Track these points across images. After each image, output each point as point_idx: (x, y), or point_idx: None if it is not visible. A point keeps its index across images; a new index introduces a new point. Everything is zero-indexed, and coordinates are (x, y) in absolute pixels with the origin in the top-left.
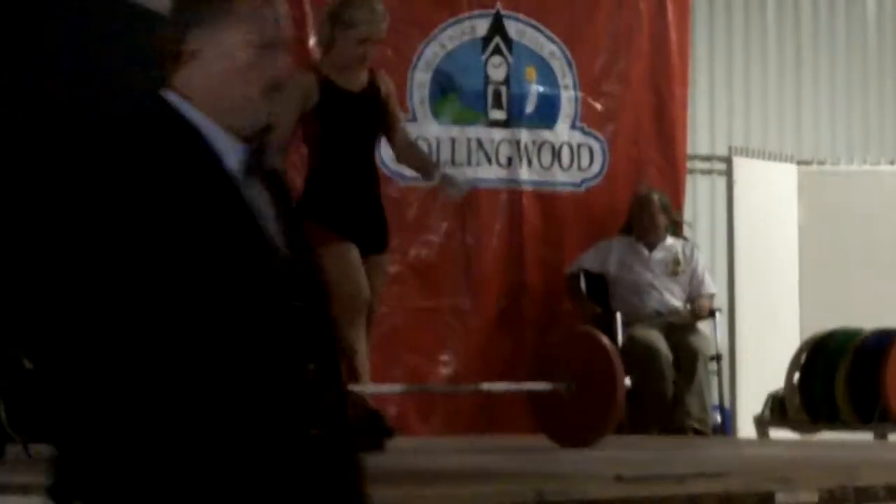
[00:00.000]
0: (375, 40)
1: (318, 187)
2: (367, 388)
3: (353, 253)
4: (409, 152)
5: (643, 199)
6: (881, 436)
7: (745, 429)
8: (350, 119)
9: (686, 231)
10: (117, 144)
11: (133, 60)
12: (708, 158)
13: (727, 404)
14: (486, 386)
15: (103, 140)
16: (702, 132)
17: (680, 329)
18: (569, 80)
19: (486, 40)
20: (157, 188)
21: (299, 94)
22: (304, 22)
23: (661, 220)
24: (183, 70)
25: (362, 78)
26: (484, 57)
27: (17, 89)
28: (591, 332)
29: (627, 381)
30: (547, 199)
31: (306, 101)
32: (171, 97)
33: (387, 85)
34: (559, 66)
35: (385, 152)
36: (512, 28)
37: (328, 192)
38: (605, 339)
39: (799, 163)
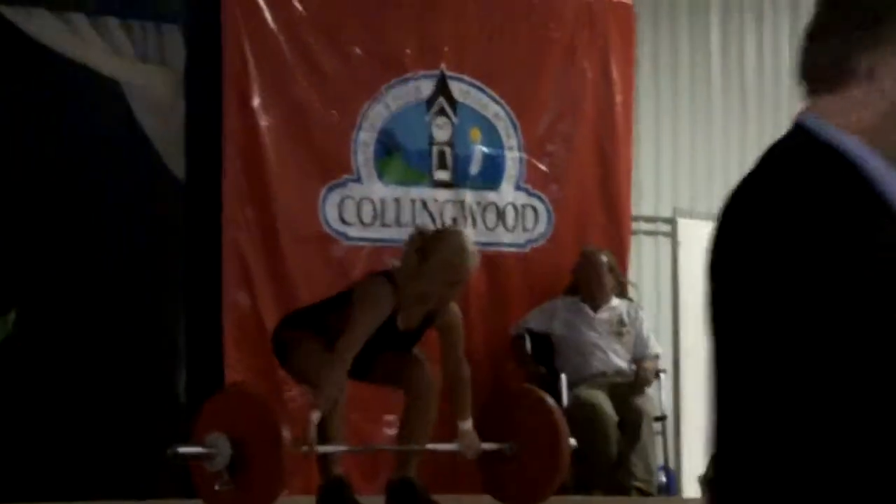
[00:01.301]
0: (463, 281)
1: None
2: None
3: None
4: (453, 382)
5: (591, 260)
6: None
7: (690, 489)
8: (379, 342)
9: (631, 292)
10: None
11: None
12: (652, 220)
13: (672, 465)
14: (430, 446)
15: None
16: (647, 193)
17: (625, 390)
18: (513, 141)
19: (431, 101)
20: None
21: (379, 322)
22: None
23: (608, 281)
24: (838, 95)
25: (421, 312)
26: (428, 118)
27: None
28: (535, 392)
29: (573, 441)
30: (492, 259)
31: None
32: (829, 130)
33: (447, 318)
34: (504, 126)
35: (329, 213)
36: (456, 89)
37: None
38: (550, 400)
39: None
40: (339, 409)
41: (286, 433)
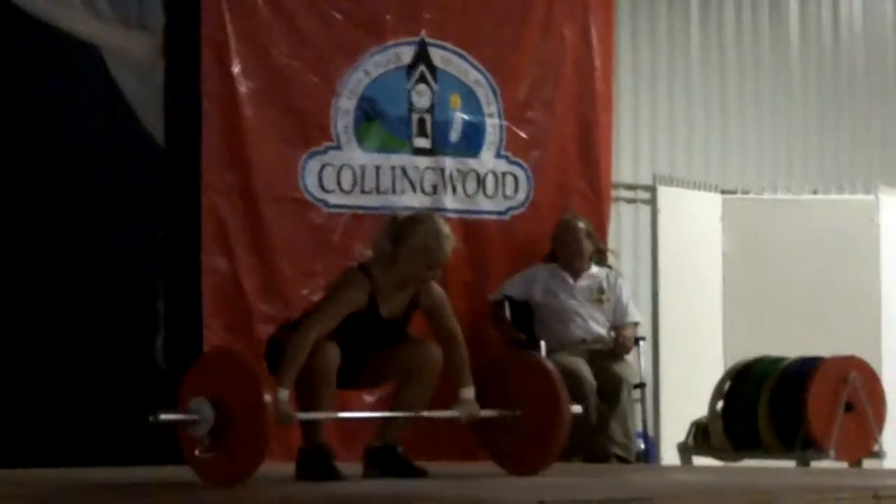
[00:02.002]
0: (441, 264)
1: None
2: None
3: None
4: (448, 351)
5: (569, 227)
6: (803, 463)
7: (669, 456)
8: (368, 336)
9: (610, 259)
10: None
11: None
12: (632, 187)
13: (651, 432)
14: (426, 413)
15: None
16: (626, 161)
17: (604, 356)
18: (493, 108)
19: (411, 68)
20: None
21: (350, 310)
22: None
23: (587, 247)
24: None
25: (404, 298)
26: (409, 85)
27: None
28: (534, 357)
29: (577, 407)
30: (472, 226)
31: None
32: None
33: (432, 300)
34: (484, 93)
35: (309, 180)
36: (437, 56)
37: None
38: (550, 365)
39: (723, 192)
40: (328, 377)
41: (268, 398)
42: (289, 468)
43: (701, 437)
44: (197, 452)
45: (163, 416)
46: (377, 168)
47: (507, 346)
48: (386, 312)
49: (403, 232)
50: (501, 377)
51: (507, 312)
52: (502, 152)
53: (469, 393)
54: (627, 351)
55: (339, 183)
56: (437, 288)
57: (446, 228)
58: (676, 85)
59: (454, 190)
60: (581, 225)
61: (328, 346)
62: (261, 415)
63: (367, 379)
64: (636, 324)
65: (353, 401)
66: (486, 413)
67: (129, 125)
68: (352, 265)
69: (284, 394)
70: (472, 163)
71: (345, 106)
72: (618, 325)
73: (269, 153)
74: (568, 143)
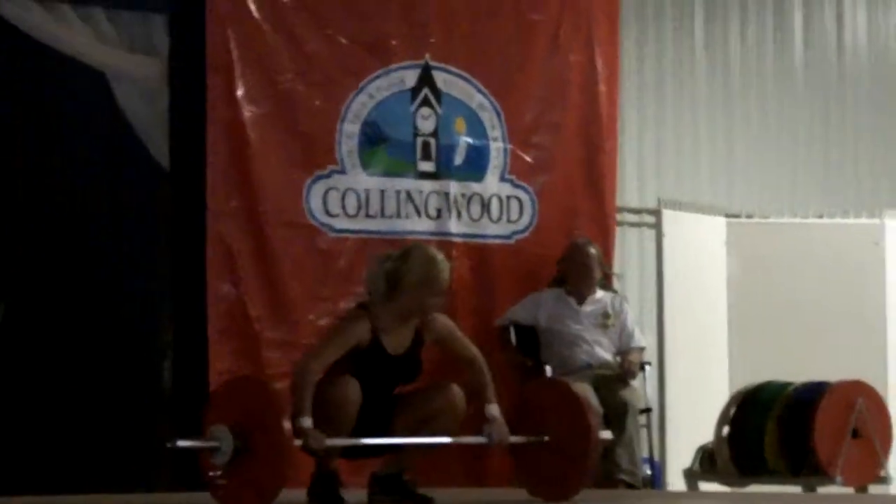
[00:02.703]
0: (444, 291)
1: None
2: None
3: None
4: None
5: (582, 251)
6: (810, 488)
7: (675, 482)
8: (380, 378)
9: (615, 284)
10: None
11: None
12: (637, 211)
13: (657, 457)
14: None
15: None
16: (631, 185)
17: (610, 382)
18: (498, 132)
19: (415, 91)
20: None
21: (351, 344)
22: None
23: (597, 273)
24: None
25: (408, 333)
26: (413, 108)
27: None
28: (564, 384)
29: (608, 434)
30: (476, 251)
31: (353, 347)
32: None
33: (437, 332)
34: (488, 117)
35: (314, 204)
36: (440, 79)
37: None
38: (580, 392)
39: (728, 215)
40: (346, 410)
41: (287, 425)
42: (301, 494)
43: (707, 463)
44: (211, 475)
45: (180, 443)
46: (382, 192)
47: (514, 371)
48: (391, 349)
49: (398, 270)
50: (531, 404)
51: (513, 338)
52: (507, 176)
53: (494, 410)
54: (633, 376)
55: (343, 207)
56: (440, 319)
57: (440, 255)
58: (681, 109)
59: (459, 214)
60: (593, 251)
61: (349, 381)
62: (281, 441)
63: (400, 429)
64: (642, 349)
65: None
66: (515, 439)
67: (134, 150)
68: (350, 306)
69: (308, 421)
70: (476, 186)
71: (349, 130)
72: (623, 351)
73: (274, 178)
74: (573, 167)
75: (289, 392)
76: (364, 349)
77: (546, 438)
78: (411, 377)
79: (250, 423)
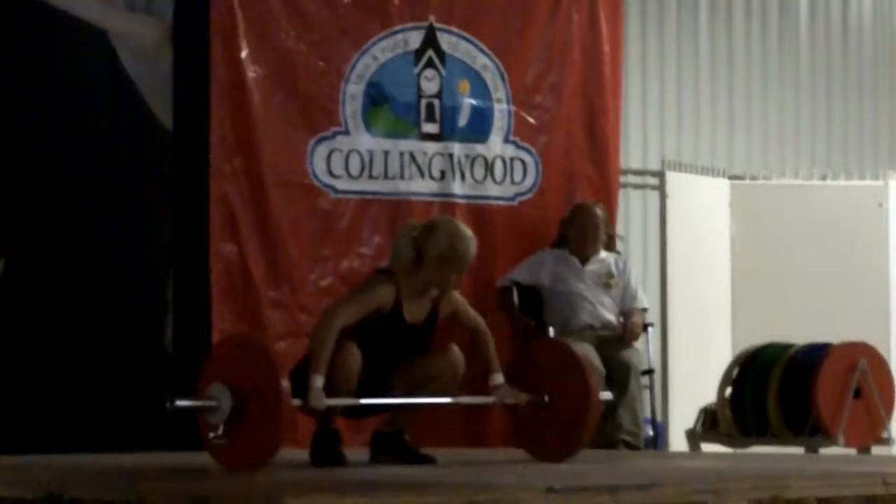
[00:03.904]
0: (466, 269)
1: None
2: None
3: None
4: (474, 342)
5: (588, 213)
6: (812, 449)
7: (678, 443)
8: (393, 345)
9: (619, 245)
10: None
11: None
12: (641, 173)
13: (659, 418)
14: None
15: None
16: (635, 146)
17: (612, 343)
18: (501, 94)
19: (419, 53)
20: None
21: (375, 306)
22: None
23: (602, 234)
24: None
25: (426, 305)
26: (417, 70)
27: None
28: (562, 344)
29: (608, 394)
30: (480, 212)
31: (375, 311)
32: None
33: (452, 307)
34: (492, 78)
35: (317, 165)
36: (444, 41)
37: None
38: (579, 352)
39: (731, 177)
40: (346, 376)
41: (285, 385)
42: (304, 454)
43: (709, 424)
44: (210, 436)
45: (179, 403)
46: (385, 153)
47: (516, 332)
48: (410, 318)
49: (425, 240)
50: (530, 364)
51: (516, 298)
52: (510, 138)
53: (499, 378)
54: (635, 338)
55: (347, 168)
56: (455, 296)
57: (468, 231)
58: (685, 70)
59: (462, 176)
60: (599, 212)
61: (350, 347)
62: (278, 401)
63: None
64: (644, 310)
65: None
66: (515, 398)
67: (137, 110)
68: (379, 269)
69: (319, 380)
70: (480, 148)
71: (353, 91)
72: (626, 311)
73: (277, 138)
74: (576, 129)
75: (308, 346)
76: (385, 315)
77: (546, 398)
78: (422, 348)
79: (248, 383)
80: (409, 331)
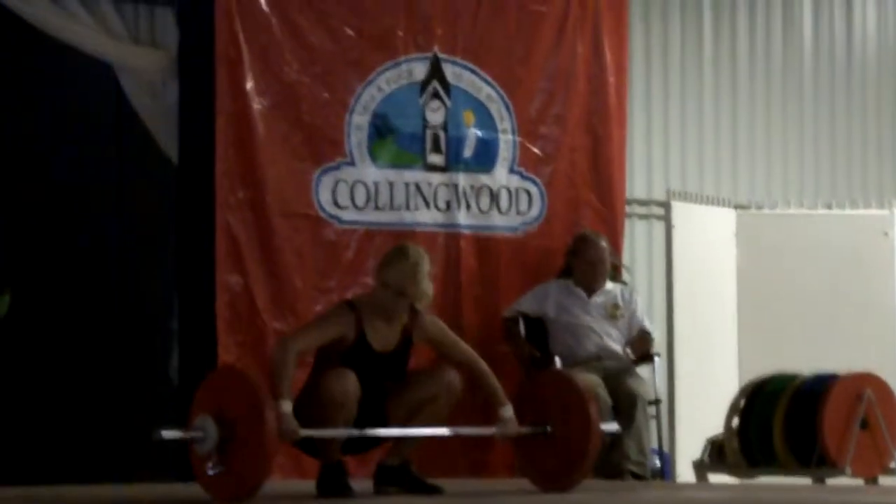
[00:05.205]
0: (412, 295)
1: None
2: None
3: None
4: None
5: (593, 244)
6: (819, 479)
7: (684, 473)
8: (368, 375)
9: (624, 275)
10: None
11: None
12: (646, 203)
13: (666, 449)
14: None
15: None
16: (640, 176)
17: (618, 373)
18: (507, 124)
19: (424, 84)
20: None
21: (333, 334)
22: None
23: (607, 266)
24: None
25: (395, 331)
26: (422, 100)
27: None
28: (565, 375)
29: (615, 426)
30: (485, 242)
31: (337, 339)
32: None
33: (427, 333)
34: (497, 109)
35: (322, 196)
36: (449, 71)
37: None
38: (581, 383)
39: (736, 207)
40: (344, 403)
41: (271, 415)
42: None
43: (716, 454)
44: (209, 470)
45: (165, 434)
46: (391, 184)
47: (522, 363)
48: (378, 346)
49: (380, 263)
50: (534, 395)
51: (522, 329)
52: (516, 168)
53: (508, 412)
54: (643, 353)
55: (352, 199)
56: (428, 318)
57: (414, 245)
58: (689, 100)
59: (468, 206)
60: (603, 244)
61: (346, 374)
62: (263, 430)
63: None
64: (650, 334)
65: None
66: (517, 430)
67: (142, 143)
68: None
69: (287, 405)
70: (485, 179)
71: (358, 122)
72: (631, 339)
73: (282, 169)
74: (581, 159)
75: (267, 376)
76: (350, 345)
77: (548, 429)
78: (398, 377)
79: (233, 413)
80: (378, 359)
